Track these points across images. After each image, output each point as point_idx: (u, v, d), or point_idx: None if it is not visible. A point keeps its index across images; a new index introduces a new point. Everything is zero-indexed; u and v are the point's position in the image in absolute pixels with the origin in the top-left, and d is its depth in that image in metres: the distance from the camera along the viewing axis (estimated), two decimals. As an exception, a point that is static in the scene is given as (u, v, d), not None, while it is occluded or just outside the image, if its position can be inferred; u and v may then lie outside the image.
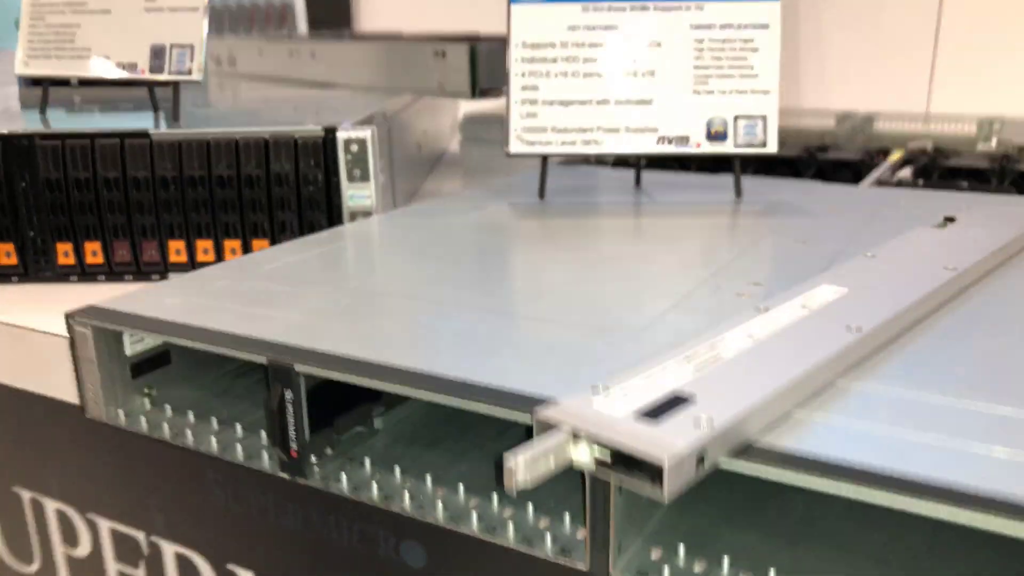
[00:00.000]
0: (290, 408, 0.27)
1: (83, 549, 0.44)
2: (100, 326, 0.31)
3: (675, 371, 0.23)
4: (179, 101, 0.52)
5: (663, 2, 0.49)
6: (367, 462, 0.29)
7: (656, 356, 0.24)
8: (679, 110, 0.48)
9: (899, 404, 0.23)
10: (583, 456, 0.20)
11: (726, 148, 0.48)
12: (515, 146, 0.49)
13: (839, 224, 0.43)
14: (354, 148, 0.47)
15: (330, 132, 0.47)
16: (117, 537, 0.42)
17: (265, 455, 0.30)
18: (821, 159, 0.62)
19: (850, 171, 0.61)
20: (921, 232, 0.37)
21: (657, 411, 0.21)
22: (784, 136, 0.76)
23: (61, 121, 0.53)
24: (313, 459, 0.28)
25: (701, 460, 0.20)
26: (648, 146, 0.48)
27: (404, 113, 0.64)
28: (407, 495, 0.27)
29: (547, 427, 0.21)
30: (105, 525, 0.42)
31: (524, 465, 0.19)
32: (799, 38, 1.05)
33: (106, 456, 0.37)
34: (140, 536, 0.39)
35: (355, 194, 0.47)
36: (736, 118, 0.48)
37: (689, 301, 0.32)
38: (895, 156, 0.61)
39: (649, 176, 0.54)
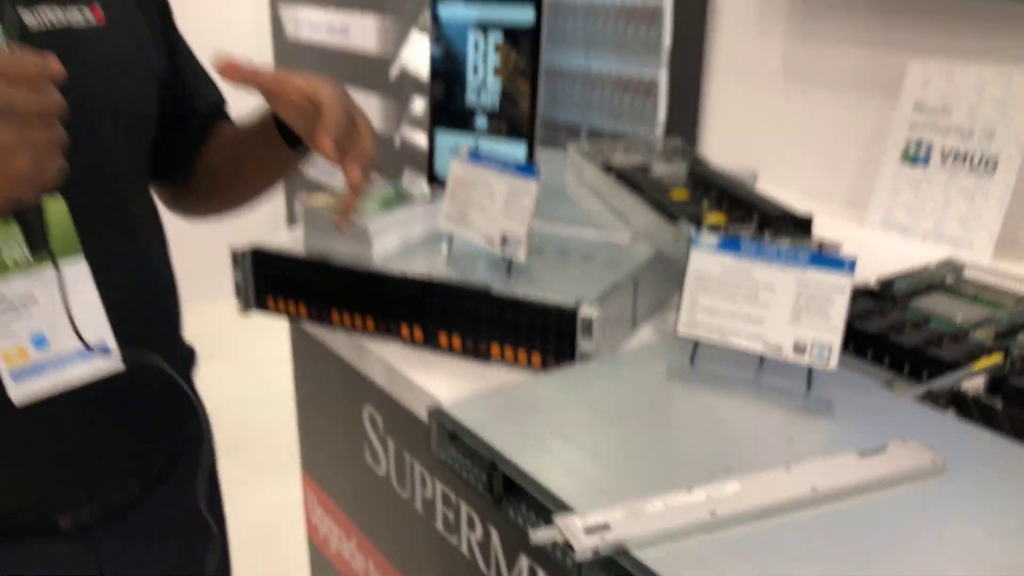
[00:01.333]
0: (494, 479, 0.68)
1: (428, 494, 0.90)
2: (438, 419, 0.74)
3: (617, 512, 0.59)
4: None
5: (784, 264, 0.80)
6: (524, 508, 0.69)
7: (618, 504, 0.60)
8: (779, 330, 0.79)
9: (711, 551, 0.57)
10: (561, 540, 0.58)
11: (803, 360, 0.78)
12: (681, 330, 0.84)
13: (833, 432, 0.72)
14: (586, 322, 0.85)
15: (576, 307, 0.86)
16: (444, 495, 0.87)
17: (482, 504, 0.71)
18: (930, 355, 0.86)
19: (948, 368, 0.85)
20: (841, 457, 0.66)
21: (592, 530, 0.58)
22: (980, 294, 0.98)
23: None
24: (504, 504, 0.69)
25: (596, 552, 0.56)
26: (758, 348, 0.80)
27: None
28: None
29: (555, 524, 0.59)
30: (439, 486, 0.87)
31: (534, 535, 0.57)
32: None
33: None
34: (452, 495, 0.83)
35: (584, 344, 0.86)
36: (812, 343, 0.78)
37: (676, 472, 0.66)
38: (988, 361, 0.84)
39: (780, 365, 0.85)
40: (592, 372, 0.84)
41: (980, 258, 1.23)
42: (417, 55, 2.81)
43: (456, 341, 0.94)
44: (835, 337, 0.77)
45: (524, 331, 0.89)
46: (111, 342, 0.71)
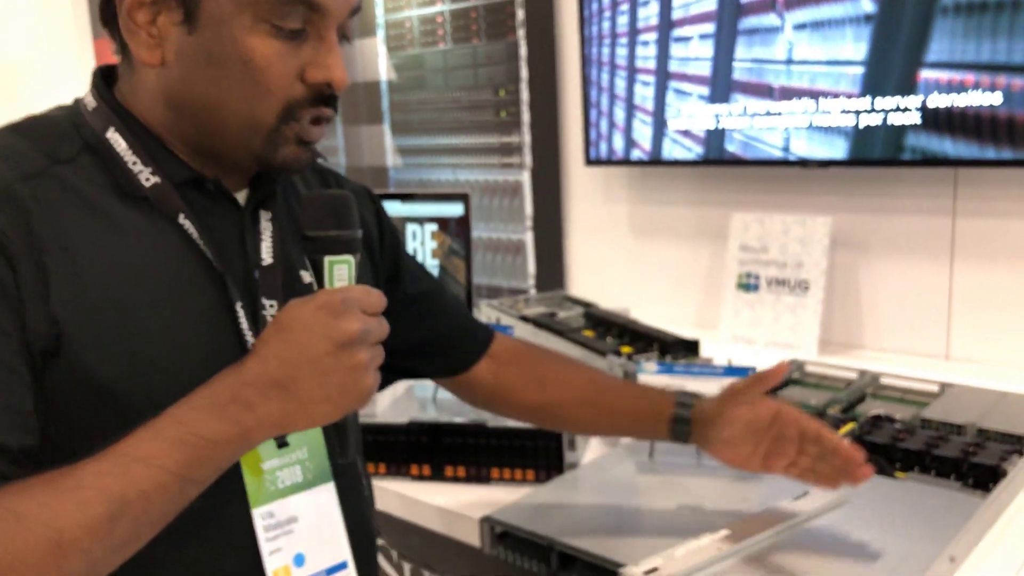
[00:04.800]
0: (551, 560, 0.92)
1: (462, 598, 1.11)
2: (490, 524, 0.98)
3: (657, 560, 0.85)
4: None
5: (707, 376, 1.11)
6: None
7: (655, 555, 0.86)
8: (712, 424, 1.10)
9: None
10: (627, 582, 0.83)
11: (733, 443, 1.09)
12: (640, 435, 1.13)
13: (768, 488, 1.03)
14: (570, 437, 1.12)
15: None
16: (477, 594, 1.09)
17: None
18: (809, 427, 1.20)
19: (823, 435, 1.18)
20: (784, 502, 0.96)
21: (649, 571, 0.83)
22: (821, 383, 1.33)
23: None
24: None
25: (656, 586, 0.82)
26: (698, 439, 1.11)
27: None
28: (586, 588, 0.91)
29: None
30: (473, 589, 1.09)
31: (612, 583, 0.82)
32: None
33: (486, 565, 1.04)
34: (490, 594, 1.06)
35: (570, 455, 1.13)
36: (737, 430, 1.09)
37: (681, 528, 0.94)
38: (844, 429, 1.18)
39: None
40: (583, 476, 1.11)
41: (809, 356, 1.62)
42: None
43: (460, 471, 1.17)
44: (752, 423, 1.09)
45: (519, 453, 1.15)
46: (349, 558, 0.74)
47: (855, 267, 1.69)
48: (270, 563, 0.67)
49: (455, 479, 1.18)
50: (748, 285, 1.75)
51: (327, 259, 0.66)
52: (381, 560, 1.25)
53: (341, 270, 0.67)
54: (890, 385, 1.41)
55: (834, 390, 1.41)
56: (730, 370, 1.11)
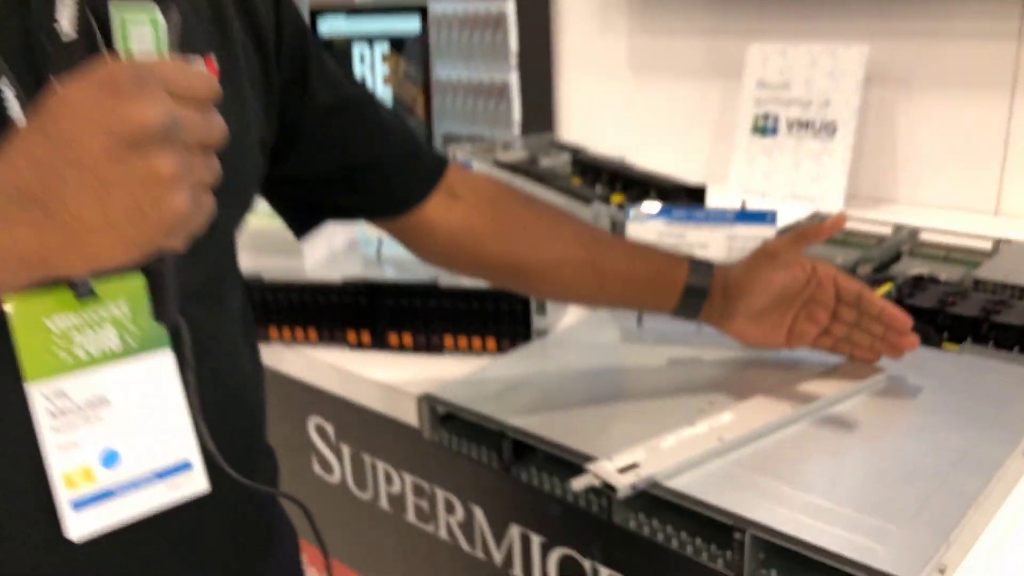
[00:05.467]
0: (504, 448, 0.71)
1: (395, 489, 0.92)
2: (430, 403, 0.77)
3: (639, 452, 0.65)
4: None
5: (714, 223, 0.88)
6: (535, 470, 0.73)
7: (636, 446, 0.66)
8: (717, 282, 0.88)
9: (723, 471, 0.64)
10: (593, 483, 0.62)
11: (742, 305, 0.87)
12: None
13: (783, 362, 0.82)
14: (539, 297, 0.90)
15: (528, 288, 0.90)
16: (416, 485, 0.90)
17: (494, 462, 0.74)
18: (835, 288, 0.98)
19: (852, 298, 0.96)
20: (805, 379, 0.75)
21: (624, 469, 0.63)
22: (849, 239, 1.11)
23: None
24: (515, 469, 0.73)
25: (633, 487, 0.62)
26: (699, 301, 0.88)
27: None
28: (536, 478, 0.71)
29: (586, 471, 0.63)
30: (408, 478, 0.89)
31: (575, 483, 0.62)
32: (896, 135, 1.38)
33: (430, 451, 0.84)
34: (426, 484, 0.86)
35: (539, 320, 0.91)
36: (748, 289, 0.87)
37: (671, 412, 0.73)
38: (881, 290, 0.96)
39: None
40: (553, 345, 0.89)
41: (833, 210, 1.39)
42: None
43: (407, 339, 0.96)
44: (768, 281, 0.86)
45: (477, 319, 0.93)
46: (195, 458, 0.54)
47: (892, 106, 1.42)
48: (58, 462, 0.46)
49: (400, 348, 0.97)
50: (765, 128, 1.49)
51: (119, 13, 0.43)
52: (316, 439, 1.05)
53: (142, 33, 0.43)
54: (931, 242, 1.18)
55: (864, 247, 1.18)
56: (745, 215, 0.87)
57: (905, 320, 0.74)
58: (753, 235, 0.87)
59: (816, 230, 0.73)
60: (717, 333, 0.79)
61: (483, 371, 0.83)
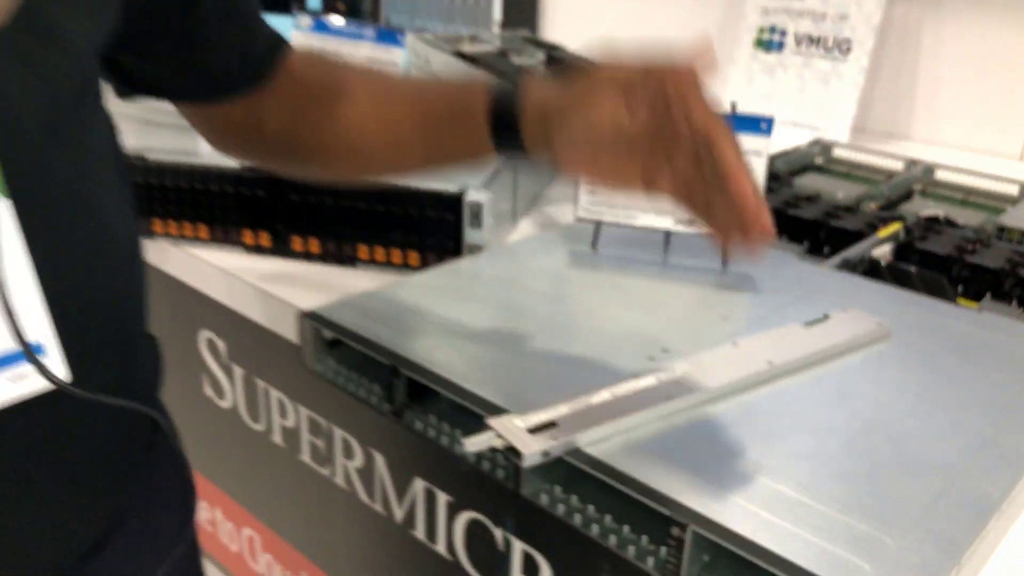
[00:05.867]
0: (395, 387, 0.55)
1: (290, 422, 0.76)
2: (313, 325, 0.61)
3: (562, 408, 0.49)
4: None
5: (693, 126, 0.71)
6: (434, 419, 0.57)
7: (560, 396, 0.50)
8: (691, 203, 0.71)
9: (659, 440, 0.48)
10: (497, 444, 0.47)
11: (719, 233, 0.71)
12: (580, 212, 0.74)
13: (765, 305, 0.66)
14: (474, 207, 0.73)
15: (461, 193, 0.74)
16: (311, 421, 0.74)
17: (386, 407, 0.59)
18: (834, 226, 0.82)
19: (853, 239, 0.80)
20: (787, 329, 0.59)
21: (535, 430, 0.47)
22: (853, 171, 0.95)
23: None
24: (409, 415, 0.57)
25: (546, 454, 0.46)
26: (668, 224, 0.72)
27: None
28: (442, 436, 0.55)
29: (488, 428, 0.48)
30: (303, 412, 0.74)
31: (468, 444, 0.46)
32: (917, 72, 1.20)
33: (311, 382, 0.68)
34: (323, 421, 0.70)
35: (472, 234, 0.74)
36: (728, 214, 0.70)
37: (611, 356, 0.57)
38: (888, 230, 0.80)
39: (689, 240, 0.77)
40: (486, 264, 0.73)
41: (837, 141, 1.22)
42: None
43: (314, 245, 0.79)
44: (753, 205, 0.70)
45: (398, 226, 0.76)
46: (51, 338, 0.42)
47: (918, 26, 1.24)
48: None
49: (306, 256, 0.80)
50: (770, 43, 1.31)
51: None
52: (207, 356, 0.89)
53: None
54: (948, 182, 1.02)
55: (870, 183, 1.01)
56: (734, 120, 0.70)
57: (746, 191, 0.45)
58: (743, 145, 0.69)
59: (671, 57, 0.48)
60: (689, 267, 0.63)
61: (388, 289, 0.66)
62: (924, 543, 0.41)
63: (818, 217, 0.83)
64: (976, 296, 0.73)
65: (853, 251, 0.76)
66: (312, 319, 0.61)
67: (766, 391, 0.54)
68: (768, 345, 0.57)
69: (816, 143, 1.10)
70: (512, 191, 0.86)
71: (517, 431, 0.47)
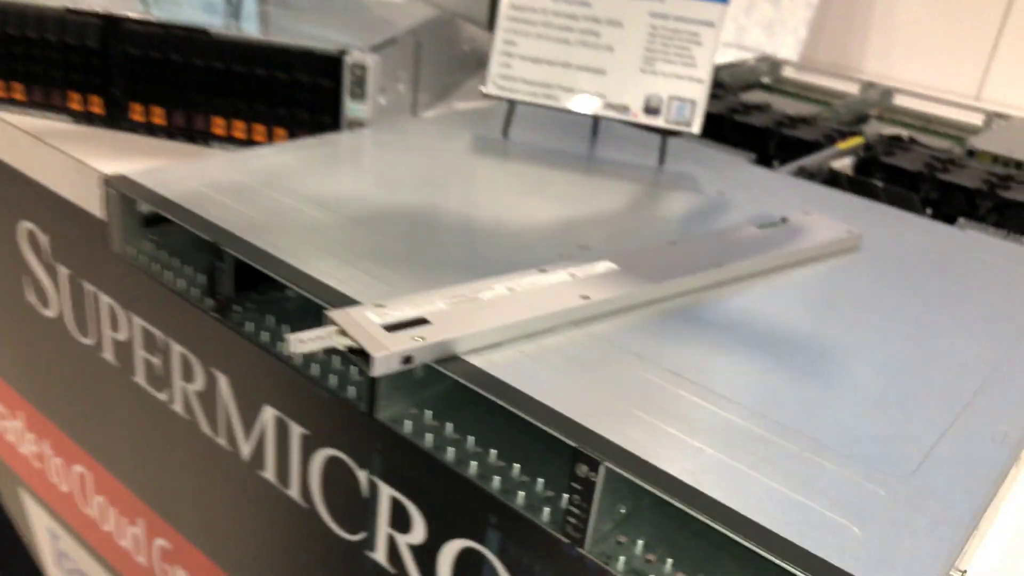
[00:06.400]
0: (219, 274, 0.41)
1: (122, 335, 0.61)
2: (123, 192, 0.45)
3: (436, 302, 0.35)
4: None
5: (633, -12, 0.58)
6: (272, 319, 0.43)
7: (434, 288, 0.36)
8: (626, 84, 0.58)
9: (573, 353, 0.35)
10: (342, 343, 0.33)
11: (657, 122, 0.58)
12: (490, 88, 0.60)
13: (711, 206, 0.53)
14: (357, 71, 0.59)
15: (341, 53, 0.59)
16: (146, 333, 0.59)
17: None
18: (787, 135, 0.70)
19: (808, 150, 0.69)
20: (740, 229, 0.47)
21: (396, 327, 0.33)
22: (802, 92, 0.84)
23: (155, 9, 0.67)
24: (237, 308, 0.43)
25: (408, 359, 0.33)
26: (595, 109, 0.58)
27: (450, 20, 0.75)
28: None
29: (330, 321, 0.34)
30: (137, 323, 0.58)
31: (295, 340, 0.32)
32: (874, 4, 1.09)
33: (147, 285, 0.53)
34: (158, 333, 0.55)
35: (354, 107, 0.60)
36: (670, 98, 0.57)
37: (520, 252, 0.43)
38: (849, 142, 0.68)
39: (618, 130, 0.64)
40: (368, 140, 0.58)
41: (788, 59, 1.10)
42: None
43: (157, 115, 0.63)
44: (700, 88, 0.57)
45: (263, 93, 0.61)
46: None
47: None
48: None
49: (148, 129, 0.64)
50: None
51: None
52: (27, 253, 0.73)
53: None
54: (907, 108, 0.91)
55: (823, 104, 0.90)
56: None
57: None
58: (691, 14, 0.56)
59: None
60: (622, 158, 0.50)
61: (230, 156, 0.52)
62: (928, 497, 0.29)
63: (769, 125, 0.71)
64: (948, 219, 0.62)
65: (811, 160, 0.64)
66: (120, 186, 0.46)
67: (711, 299, 0.41)
68: (715, 247, 0.44)
69: (764, 59, 0.98)
70: (412, 74, 0.72)
71: (368, 327, 0.33)
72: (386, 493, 0.46)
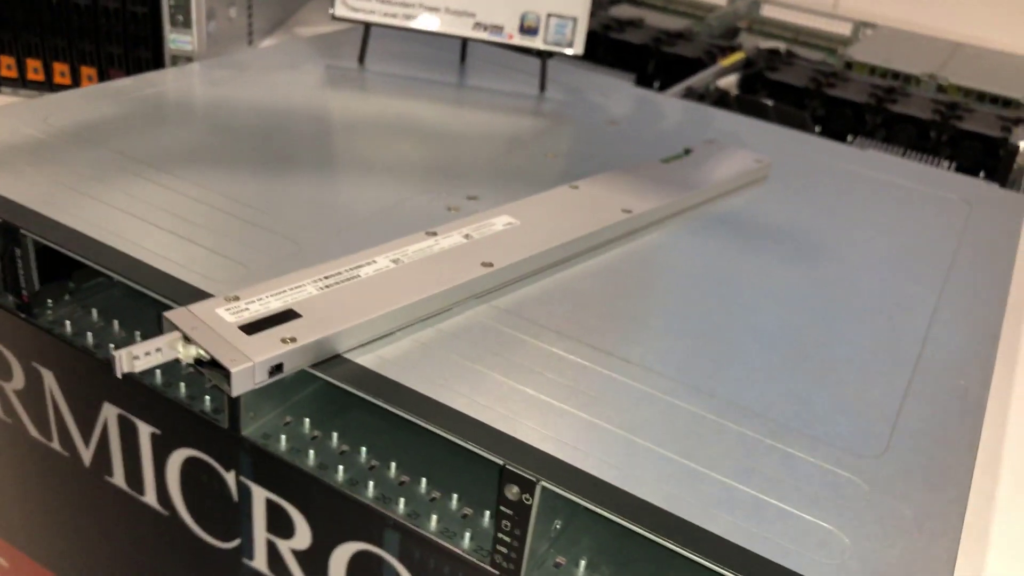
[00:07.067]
0: (19, 262, 0.32)
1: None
2: None
3: (305, 287, 0.28)
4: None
5: None
6: (95, 312, 0.34)
7: (300, 270, 0.29)
8: (497, 1, 0.51)
9: (476, 335, 0.29)
10: (188, 355, 0.26)
11: (535, 43, 0.51)
12: (340, 10, 0.51)
13: (604, 139, 0.47)
14: (177, -6, 0.49)
15: (156, -26, 0.48)
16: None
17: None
18: (667, 52, 0.65)
19: (690, 68, 0.64)
20: (641, 167, 0.41)
21: (257, 326, 0.26)
22: (670, 5, 0.79)
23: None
24: (49, 302, 0.34)
25: (278, 368, 0.26)
26: (464, 30, 0.51)
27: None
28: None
29: (171, 326, 0.26)
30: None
31: (127, 357, 0.25)
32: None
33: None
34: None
35: (177, 39, 0.50)
36: (548, 16, 0.51)
37: (398, 208, 0.37)
38: (731, 59, 0.64)
39: (490, 54, 0.57)
40: (198, 77, 0.49)
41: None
42: None
43: (-74, 54, 0.51)
44: (582, 3, 0.51)
45: (63, 24, 0.50)
46: None
47: None
48: None
49: (-85, 73, 0.52)
50: None
51: None
52: None
53: None
54: (775, 19, 0.88)
55: (691, 17, 0.85)
56: None
57: None
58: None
59: None
60: (496, 85, 0.43)
61: (28, 106, 0.41)
62: (908, 480, 0.25)
63: (647, 43, 0.65)
64: (838, 136, 0.60)
65: (697, 79, 0.59)
66: None
67: (627, 251, 0.36)
68: (620, 188, 0.39)
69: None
70: (246, 21, 0.62)
71: (221, 329, 0.26)
72: (260, 496, 0.39)
